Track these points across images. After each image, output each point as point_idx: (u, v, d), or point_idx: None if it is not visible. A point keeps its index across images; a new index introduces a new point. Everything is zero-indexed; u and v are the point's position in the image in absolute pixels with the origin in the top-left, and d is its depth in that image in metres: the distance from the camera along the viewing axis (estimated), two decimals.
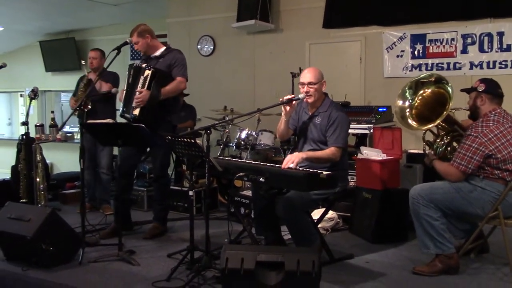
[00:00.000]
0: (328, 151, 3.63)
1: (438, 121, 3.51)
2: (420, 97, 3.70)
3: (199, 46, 7.90)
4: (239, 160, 3.78)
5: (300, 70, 6.22)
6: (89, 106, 3.98)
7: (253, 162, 3.68)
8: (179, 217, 5.33)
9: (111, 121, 4.08)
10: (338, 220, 4.79)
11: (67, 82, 9.52)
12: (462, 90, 3.68)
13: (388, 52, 6.62)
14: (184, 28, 7.99)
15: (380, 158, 4.33)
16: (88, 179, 5.47)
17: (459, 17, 6.11)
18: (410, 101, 3.71)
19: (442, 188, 3.52)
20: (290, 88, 6.23)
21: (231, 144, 5.89)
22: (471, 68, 6.11)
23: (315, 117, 3.81)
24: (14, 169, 5.70)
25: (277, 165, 3.59)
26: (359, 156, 4.53)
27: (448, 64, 6.26)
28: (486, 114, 3.50)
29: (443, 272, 3.53)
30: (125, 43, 4.27)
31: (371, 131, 4.93)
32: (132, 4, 7.95)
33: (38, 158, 5.34)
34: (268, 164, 3.68)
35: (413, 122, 3.66)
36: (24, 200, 5.31)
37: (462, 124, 3.76)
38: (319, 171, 3.18)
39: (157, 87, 4.31)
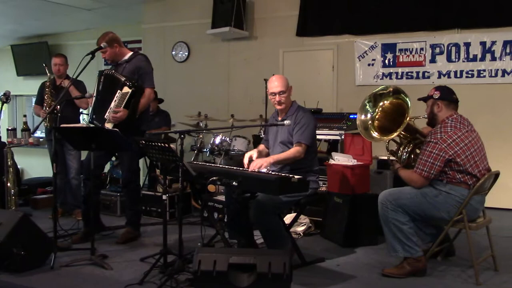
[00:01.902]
0: (293, 150, 3.75)
1: (399, 131, 3.60)
2: (380, 109, 3.78)
3: (173, 52, 7.94)
4: (213, 164, 3.83)
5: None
6: (58, 113, 3.96)
7: (226, 166, 3.73)
8: (152, 222, 5.34)
9: (84, 125, 4.08)
10: (310, 225, 4.87)
11: (38, 86, 9.43)
12: (419, 99, 3.80)
13: (359, 60, 6.78)
14: (159, 34, 8.02)
15: (351, 164, 4.44)
16: (60, 184, 5.44)
17: (428, 28, 6.32)
18: (371, 113, 3.79)
19: (409, 193, 3.62)
20: (263, 94, 6.31)
21: (205, 150, 5.94)
22: (439, 77, 6.31)
23: (284, 121, 3.90)
24: None
25: (249, 170, 3.66)
26: (331, 161, 4.63)
27: (418, 73, 6.45)
28: (443, 120, 3.62)
29: (411, 274, 3.63)
30: (100, 48, 4.28)
31: (342, 137, 5.04)
32: (106, 9, 7.93)
33: (9, 162, 5.28)
34: (240, 168, 3.74)
35: (376, 134, 3.75)
36: None
37: (422, 131, 3.87)
38: (290, 176, 3.26)
39: (135, 105, 4.28)
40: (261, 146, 4.18)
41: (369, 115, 3.78)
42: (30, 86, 9.91)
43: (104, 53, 4.42)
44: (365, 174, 4.53)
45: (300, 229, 4.78)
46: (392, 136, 3.65)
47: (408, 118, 3.51)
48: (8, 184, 5.30)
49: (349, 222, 4.44)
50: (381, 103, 3.74)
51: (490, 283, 3.56)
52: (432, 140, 3.52)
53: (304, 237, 4.80)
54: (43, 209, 6.01)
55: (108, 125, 4.18)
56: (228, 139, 5.82)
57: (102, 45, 4.35)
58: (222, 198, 4.98)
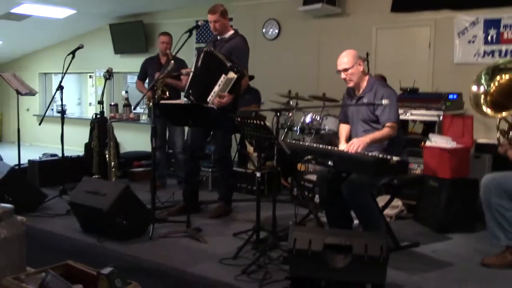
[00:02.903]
0: (386, 130, 3.62)
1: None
2: (496, 83, 3.56)
3: (264, 30, 7.93)
4: (307, 143, 3.81)
5: (367, 54, 6.16)
6: (167, 94, 4.18)
7: (320, 145, 3.69)
8: (243, 199, 5.44)
9: (183, 102, 4.21)
10: (403, 208, 4.73)
11: (134, 64, 9.81)
12: None
13: (459, 37, 6.40)
14: (249, 11, 8.04)
15: (450, 146, 4.24)
16: (158, 158, 5.68)
17: None
18: (486, 87, 3.58)
19: None
20: None
21: (295, 128, 5.92)
22: None
23: (362, 99, 3.79)
24: (87, 146, 5.98)
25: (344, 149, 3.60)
26: (428, 143, 4.44)
27: None
28: None
29: None
30: (197, 26, 4.36)
31: (441, 118, 4.81)
32: None
33: (110, 136, 5.57)
34: (336, 148, 3.68)
35: (488, 110, 3.54)
36: (96, 176, 5.58)
37: None
38: (388, 157, 3.16)
39: (238, 90, 4.37)
40: (345, 129, 4.02)
41: (482, 89, 3.57)
42: (126, 63, 10.36)
43: (216, 23, 4.49)
44: (465, 158, 4.31)
45: (392, 212, 4.67)
46: (506, 114, 3.43)
47: None
48: (109, 157, 5.60)
49: (445, 207, 4.27)
50: (498, 77, 3.51)
51: None
52: None
53: (396, 220, 4.68)
54: (139, 181, 6.31)
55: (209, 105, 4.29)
56: (318, 118, 5.76)
57: (199, 22, 4.43)
58: (312, 177, 4.97)
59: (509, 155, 3.53)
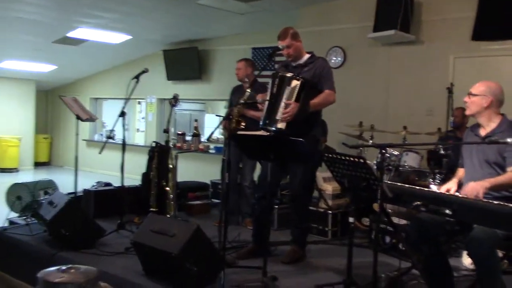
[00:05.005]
0: (510, 174, 3.07)
1: None
2: None
3: (327, 58, 7.51)
4: (413, 186, 3.30)
5: (451, 85, 5.63)
6: (242, 125, 3.78)
7: (432, 190, 3.19)
8: (315, 240, 4.92)
9: (264, 133, 3.78)
10: (505, 261, 4.11)
11: (186, 91, 9.57)
12: None
13: None
14: (313, 38, 7.62)
15: None
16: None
17: None
18: None
19: None
20: (428, 103, 5.66)
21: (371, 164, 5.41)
22: None
23: (489, 138, 3.25)
24: (145, 176, 5.61)
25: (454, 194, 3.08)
26: None
27: None
28: None
29: None
30: (277, 49, 3.96)
31: None
32: (260, 14, 7.76)
33: (171, 166, 5.18)
34: (452, 194, 3.15)
35: None
36: (153, 209, 5.17)
37: None
38: None
39: (306, 99, 3.94)
40: (462, 173, 3.51)
41: None
42: (178, 90, 10.11)
43: (289, 48, 4.09)
44: None
45: None
46: None
47: None
48: (168, 189, 5.21)
49: None
50: None
51: None
52: None
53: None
54: (197, 215, 5.90)
55: (280, 125, 3.86)
56: (397, 153, 5.24)
57: (280, 46, 4.03)
58: (397, 220, 4.43)
59: None
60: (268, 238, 4.40)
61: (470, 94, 3.34)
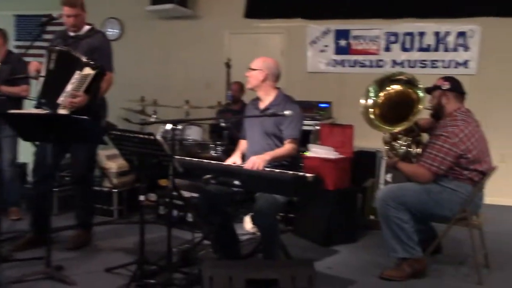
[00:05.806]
0: (288, 146, 3.35)
1: (405, 126, 3.39)
2: (383, 96, 3.54)
3: (103, 30, 7.12)
4: (203, 160, 3.32)
5: (229, 60, 5.84)
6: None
7: (224, 163, 3.26)
8: (99, 222, 4.65)
9: (42, 111, 3.35)
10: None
11: None
12: (426, 89, 3.58)
13: (311, 46, 6.51)
14: (87, 8, 7.15)
15: (333, 157, 4.13)
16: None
17: (384, 15, 6.17)
18: (373, 98, 3.55)
19: (413, 189, 3.39)
20: (206, 77, 5.86)
21: None
22: (393, 66, 6.23)
23: (267, 111, 3.49)
24: None
25: (239, 166, 3.22)
26: (308, 154, 4.28)
27: (371, 61, 6.33)
28: (451, 113, 3.43)
29: (411, 277, 3.42)
30: (52, 19, 3.56)
31: (315, 127, 4.71)
32: None
33: None
34: (237, 164, 3.26)
35: (378, 123, 3.50)
36: None
37: (422, 124, 3.67)
38: (305, 174, 2.86)
39: (96, 90, 3.63)
40: (244, 145, 3.67)
41: (370, 101, 3.50)
42: None
43: (75, 17, 3.72)
44: (347, 168, 4.26)
45: None
46: (396, 130, 3.40)
47: (418, 113, 3.26)
48: None
49: (330, 220, 4.15)
50: (386, 90, 3.47)
51: (490, 281, 3.45)
52: (443, 133, 3.30)
53: None
54: None
55: (63, 111, 3.49)
56: (181, 127, 5.27)
57: (54, 15, 3.63)
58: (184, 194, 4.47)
59: (400, 167, 3.53)
60: (49, 225, 4.04)
61: (250, 68, 3.51)
